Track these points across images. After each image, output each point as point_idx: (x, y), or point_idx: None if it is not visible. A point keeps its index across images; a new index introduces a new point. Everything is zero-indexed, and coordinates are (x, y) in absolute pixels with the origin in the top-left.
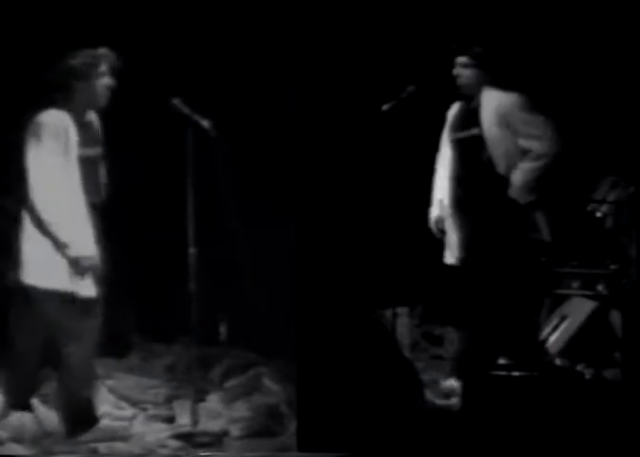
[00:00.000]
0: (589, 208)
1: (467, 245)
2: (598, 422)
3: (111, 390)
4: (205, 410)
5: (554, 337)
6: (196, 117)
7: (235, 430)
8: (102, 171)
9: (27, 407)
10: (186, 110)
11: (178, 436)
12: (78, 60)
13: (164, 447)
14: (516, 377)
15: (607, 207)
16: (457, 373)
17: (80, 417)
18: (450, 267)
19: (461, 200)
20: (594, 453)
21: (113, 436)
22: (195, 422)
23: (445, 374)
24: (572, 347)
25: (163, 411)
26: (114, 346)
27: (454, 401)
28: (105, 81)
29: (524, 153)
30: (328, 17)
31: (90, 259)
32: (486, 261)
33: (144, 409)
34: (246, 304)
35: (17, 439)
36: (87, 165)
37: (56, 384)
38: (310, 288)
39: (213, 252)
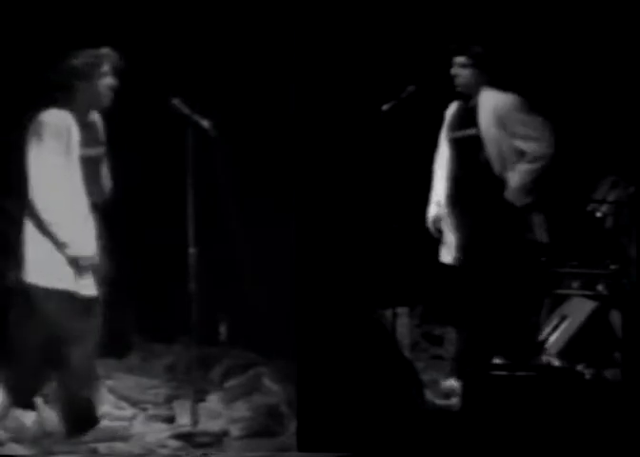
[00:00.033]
0: (589, 208)
1: (463, 245)
2: (598, 422)
3: (111, 390)
4: (205, 410)
5: (554, 337)
6: (196, 117)
7: (235, 430)
8: (104, 172)
9: (30, 406)
10: (186, 110)
11: (178, 436)
12: (80, 60)
13: (164, 447)
14: (516, 377)
15: (607, 207)
16: (457, 373)
17: (80, 417)
18: (448, 266)
19: (458, 200)
20: (594, 453)
21: (113, 436)
22: (195, 422)
23: (445, 374)
24: (572, 347)
25: (163, 411)
26: (114, 346)
27: (454, 401)
28: (107, 81)
29: (520, 154)
30: (327, 17)
31: (90, 259)
32: (482, 261)
33: (144, 409)
34: (246, 304)
35: (17, 439)
36: (89, 165)
37: (56, 384)
38: (310, 288)
39: (213, 252)
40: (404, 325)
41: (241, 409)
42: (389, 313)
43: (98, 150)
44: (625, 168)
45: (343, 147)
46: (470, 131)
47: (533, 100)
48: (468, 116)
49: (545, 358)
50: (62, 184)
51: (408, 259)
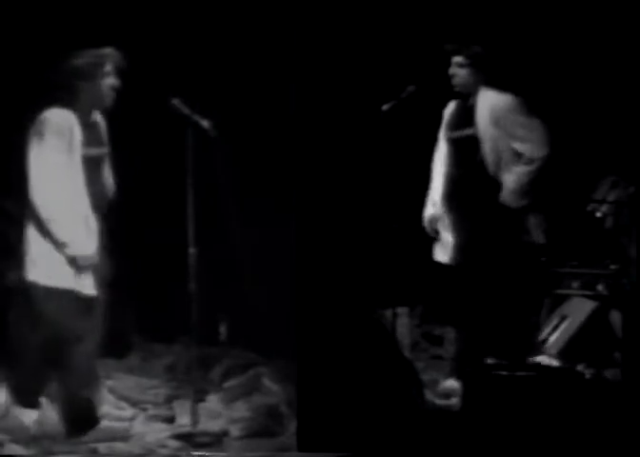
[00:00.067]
0: (589, 208)
1: (459, 245)
2: (598, 422)
3: (111, 391)
4: (205, 410)
5: (554, 337)
6: (196, 117)
7: (235, 430)
8: (107, 172)
9: (33, 405)
10: (186, 110)
11: (178, 436)
12: (83, 60)
13: (164, 447)
14: (516, 377)
15: (607, 207)
16: (457, 373)
17: (80, 417)
18: (443, 265)
19: (453, 199)
20: (594, 453)
21: (113, 436)
22: (195, 422)
23: (445, 374)
24: (572, 347)
25: (163, 411)
26: (114, 346)
27: (454, 401)
28: (110, 81)
29: (516, 156)
30: (327, 17)
31: (88, 258)
32: (477, 261)
33: (144, 409)
34: (246, 304)
35: (17, 439)
36: (90, 165)
37: (56, 383)
38: (310, 288)
39: (213, 252)
40: (404, 325)
41: (241, 409)
42: (389, 313)
43: (100, 150)
44: (625, 168)
45: (343, 147)
46: (468, 131)
47: (532, 100)
48: (466, 116)
49: (545, 358)
50: (62, 183)
51: (408, 259)
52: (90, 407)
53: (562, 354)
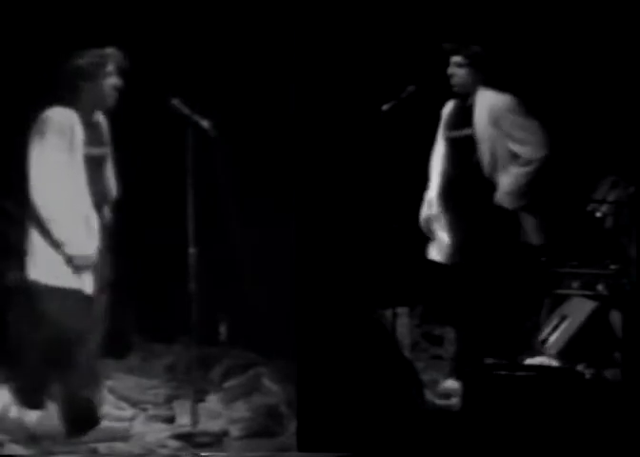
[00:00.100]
0: (589, 208)
1: (454, 245)
2: (598, 422)
3: (111, 391)
4: (205, 410)
5: (554, 337)
6: (196, 117)
7: (235, 430)
8: (109, 172)
9: (38, 406)
10: (186, 110)
11: (178, 436)
12: (85, 60)
13: (164, 447)
14: (516, 377)
15: (607, 207)
16: (456, 374)
17: (80, 417)
18: (442, 265)
19: (449, 199)
20: (594, 453)
21: (113, 436)
22: (195, 422)
23: (445, 374)
24: (572, 347)
25: (163, 411)
26: (114, 346)
27: (454, 401)
28: (112, 81)
29: (513, 157)
30: (327, 18)
31: (85, 258)
32: (472, 261)
33: (144, 410)
34: (246, 304)
35: (17, 439)
36: (92, 165)
37: (57, 383)
38: (310, 288)
39: (213, 252)
40: (404, 325)
41: (241, 409)
42: (389, 313)
43: (102, 150)
44: (625, 168)
45: (343, 147)
46: (466, 131)
47: (531, 100)
48: (464, 116)
49: (545, 358)
50: (63, 182)
51: (408, 259)
52: (90, 408)
53: (562, 354)
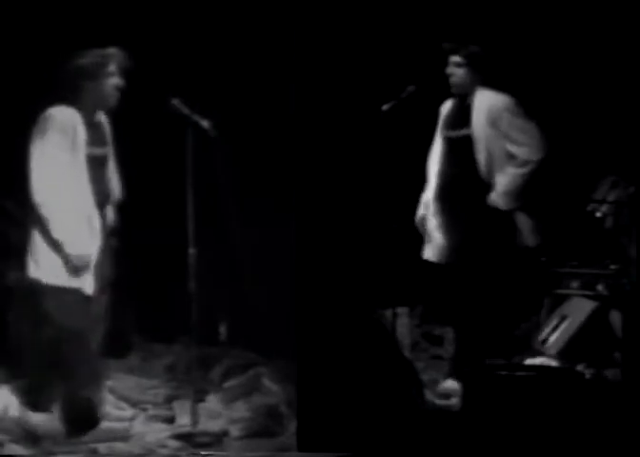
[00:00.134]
0: (589, 208)
1: (449, 245)
2: (598, 422)
3: (111, 391)
4: (205, 410)
5: (554, 337)
6: (196, 117)
7: (235, 430)
8: (111, 172)
9: (45, 408)
10: (186, 110)
11: (178, 436)
12: (87, 59)
13: (164, 447)
14: (516, 377)
15: (607, 207)
16: (455, 374)
17: (81, 417)
18: (438, 266)
19: (447, 199)
20: (594, 453)
21: (113, 436)
22: (195, 422)
23: (445, 374)
24: (572, 347)
25: (163, 411)
26: (114, 346)
27: (454, 401)
28: (114, 81)
29: (510, 158)
30: (327, 18)
31: (82, 258)
32: (468, 262)
33: (144, 410)
34: (246, 304)
35: (17, 439)
36: (94, 164)
37: (58, 384)
38: (310, 288)
39: (213, 252)
40: (404, 325)
41: (241, 409)
42: (389, 313)
43: (104, 150)
44: (625, 168)
45: (343, 147)
46: (464, 131)
47: (530, 100)
48: (462, 115)
49: (545, 358)
50: (64, 180)
51: (408, 259)
52: (90, 408)
53: (562, 354)
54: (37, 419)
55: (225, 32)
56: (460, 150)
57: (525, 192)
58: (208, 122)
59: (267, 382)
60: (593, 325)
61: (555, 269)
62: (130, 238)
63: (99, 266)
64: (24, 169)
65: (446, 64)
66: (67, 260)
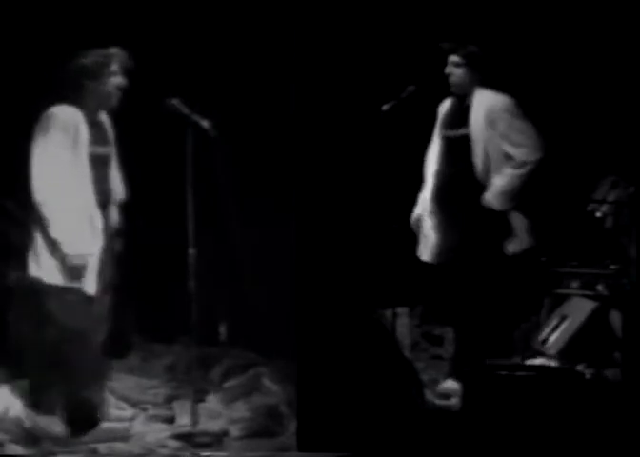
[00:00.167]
0: (589, 208)
1: (442, 245)
2: (598, 422)
3: (111, 391)
4: (205, 410)
5: (554, 337)
6: (196, 117)
7: (235, 430)
8: (114, 172)
9: (46, 408)
10: (185, 110)
11: (178, 436)
12: (89, 59)
13: (164, 447)
14: (516, 377)
15: (607, 207)
16: (455, 374)
17: (81, 418)
18: (426, 264)
19: (444, 199)
20: (594, 453)
21: (113, 436)
22: (195, 422)
23: (444, 374)
24: (572, 347)
25: (163, 411)
26: (114, 346)
27: (454, 401)
28: (116, 80)
29: (507, 158)
30: (327, 18)
31: (79, 258)
32: (459, 263)
33: (144, 410)
34: (246, 304)
35: (17, 439)
36: (97, 164)
37: (59, 384)
38: (310, 288)
39: (213, 252)
40: (404, 325)
41: (241, 409)
42: (389, 313)
43: (106, 150)
44: (625, 168)
45: (343, 147)
46: (463, 131)
47: (530, 100)
48: (461, 115)
49: (545, 358)
50: (65, 179)
51: (407, 259)
52: (90, 408)
53: (562, 354)
54: (40, 420)
55: (225, 33)
56: (458, 150)
57: (520, 194)
58: (208, 122)
59: (267, 382)
60: (593, 325)
61: (555, 269)
62: (131, 238)
63: (102, 266)
64: (25, 169)
65: (445, 64)
66: (63, 260)
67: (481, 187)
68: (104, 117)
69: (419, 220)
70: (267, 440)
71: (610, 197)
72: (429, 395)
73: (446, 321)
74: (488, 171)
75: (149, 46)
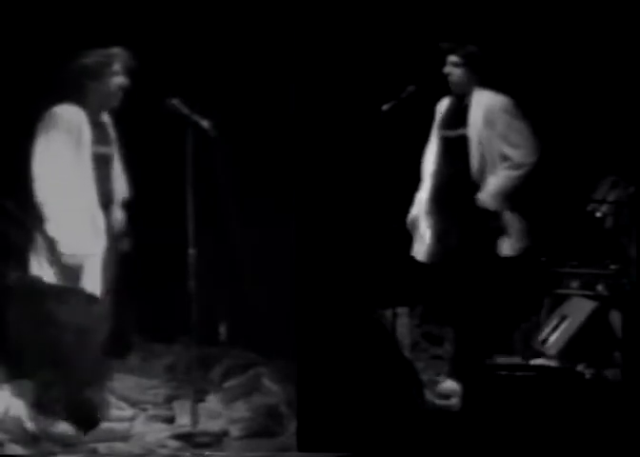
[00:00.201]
0: (589, 208)
1: (437, 245)
2: (598, 422)
3: (111, 391)
4: (205, 410)
5: (554, 337)
6: (196, 117)
7: (235, 430)
8: (117, 172)
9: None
10: (186, 110)
11: (178, 436)
12: (91, 59)
13: (164, 447)
14: (516, 377)
15: (607, 207)
16: (455, 374)
17: (81, 418)
18: (420, 263)
19: (441, 199)
20: (594, 453)
21: (113, 436)
22: (195, 422)
23: (443, 374)
24: (572, 347)
25: (163, 411)
26: (114, 346)
27: (454, 401)
28: (118, 80)
29: (503, 159)
30: (327, 18)
31: (74, 258)
32: (451, 262)
33: (144, 410)
34: (246, 304)
35: (17, 439)
36: (99, 164)
37: (58, 384)
38: (310, 288)
39: (213, 252)
40: (404, 325)
41: (241, 409)
42: (389, 313)
43: (109, 149)
44: (625, 168)
45: (343, 147)
46: (461, 131)
47: (529, 100)
48: (460, 115)
49: (545, 358)
50: (67, 179)
51: (407, 259)
52: (91, 408)
53: (562, 354)
54: (40, 420)
55: (225, 33)
56: (456, 150)
57: (516, 194)
58: (208, 122)
59: (267, 382)
60: (593, 325)
61: (555, 269)
62: (131, 238)
63: (106, 266)
64: (25, 169)
65: (443, 63)
66: (59, 259)
67: (478, 187)
68: (105, 117)
69: (415, 220)
70: (267, 440)
71: (610, 197)
72: (429, 395)
73: (445, 321)
74: (483, 172)
75: (148, 46)
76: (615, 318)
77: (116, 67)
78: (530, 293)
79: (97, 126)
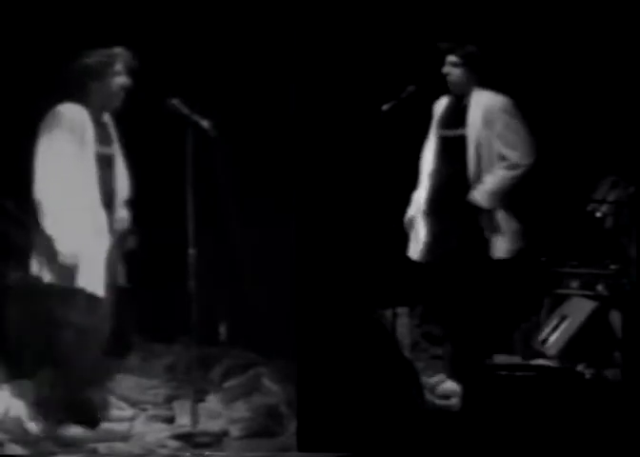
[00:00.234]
0: (589, 208)
1: (433, 244)
2: (598, 422)
3: (111, 391)
4: (205, 410)
5: (554, 337)
6: (196, 117)
7: (235, 430)
8: (119, 171)
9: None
10: (185, 110)
11: (178, 436)
12: (93, 59)
13: (164, 447)
14: (516, 377)
15: (607, 207)
16: (455, 374)
17: (81, 418)
18: (416, 263)
19: (438, 199)
20: (594, 453)
21: (113, 436)
22: (195, 422)
23: (442, 376)
24: (572, 347)
25: (163, 411)
26: (114, 346)
27: (454, 401)
28: (120, 80)
29: (500, 159)
30: (327, 18)
31: (71, 257)
32: (446, 262)
33: (144, 410)
34: (246, 304)
35: (17, 439)
36: (101, 163)
37: (58, 384)
38: (310, 288)
39: (213, 252)
40: (404, 325)
41: (241, 409)
42: (389, 313)
43: (111, 149)
44: (625, 168)
45: (343, 147)
46: (460, 131)
47: (529, 100)
48: (458, 115)
49: (545, 358)
50: (69, 177)
51: (407, 259)
52: (91, 408)
53: (562, 354)
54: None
55: (225, 33)
56: (455, 150)
57: (511, 195)
58: (208, 122)
59: (267, 382)
60: (593, 325)
61: (555, 269)
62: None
63: (110, 265)
64: (26, 168)
65: (443, 63)
66: (55, 257)
67: (469, 187)
68: (107, 117)
69: (412, 220)
70: (267, 440)
71: (610, 197)
72: (429, 395)
73: (445, 321)
74: (480, 172)
75: (149, 46)
76: (615, 318)
77: (118, 67)
78: (530, 293)
79: (99, 125)
